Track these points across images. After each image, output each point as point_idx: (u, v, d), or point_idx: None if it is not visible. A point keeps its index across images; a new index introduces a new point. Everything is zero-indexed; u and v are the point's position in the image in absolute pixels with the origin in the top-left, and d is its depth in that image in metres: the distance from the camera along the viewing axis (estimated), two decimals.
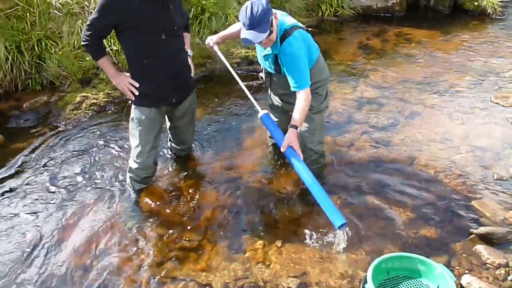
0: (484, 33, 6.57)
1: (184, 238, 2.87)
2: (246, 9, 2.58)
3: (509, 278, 2.48)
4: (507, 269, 2.53)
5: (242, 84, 3.12)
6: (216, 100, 4.64)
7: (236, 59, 5.43)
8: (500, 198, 3.11)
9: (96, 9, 2.66)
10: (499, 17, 7.18)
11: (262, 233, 2.90)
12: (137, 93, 2.86)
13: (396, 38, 6.46)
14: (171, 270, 2.64)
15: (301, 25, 2.84)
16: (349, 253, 2.69)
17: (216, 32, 5.66)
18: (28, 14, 4.79)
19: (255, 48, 3.06)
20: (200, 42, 5.35)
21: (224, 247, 2.80)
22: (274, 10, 2.66)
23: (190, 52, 3.11)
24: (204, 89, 4.88)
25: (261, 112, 2.95)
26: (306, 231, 2.89)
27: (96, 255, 2.76)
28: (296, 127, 2.77)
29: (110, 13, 2.64)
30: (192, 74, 3.14)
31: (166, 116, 3.19)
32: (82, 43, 2.80)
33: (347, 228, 2.68)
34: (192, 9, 5.49)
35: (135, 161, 3.07)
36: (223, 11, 5.70)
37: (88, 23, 2.73)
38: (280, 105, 3.21)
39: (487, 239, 2.73)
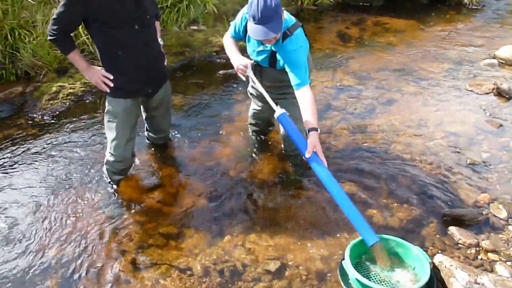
0: (460, 23, 6.69)
1: (164, 225, 2.88)
2: (259, 2, 2.44)
3: (479, 257, 2.56)
4: (477, 249, 2.61)
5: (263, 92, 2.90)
6: (195, 88, 4.62)
7: (215, 47, 5.42)
8: (472, 182, 3.19)
9: (62, 2, 2.53)
10: (475, 7, 7.31)
11: (241, 219, 2.92)
12: (111, 85, 2.78)
13: (375, 27, 6.53)
14: (152, 255, 2.65)
15: (296, 21, 2.77)
16: (328, 236, 2.74)
17: (195, 21, 5.70)
18: (0, 2, 4.69)
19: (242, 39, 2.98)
20: (178, 30, 5.32)
21: (204, 232, 2.81)
22: None
23: (161, 41, 3.04)
24: (183, 77, 4.87)
25: (279, 111, 2.73)
26: (285, 216, 2.92)
27: (76, 244, 2.74)
28: (316, 129, 2.58)
29: (77, 6, 2.52)
30: (165, 63, 3.09)
31: (141, 106, 3.16)
32: (49, 38, 2.67)
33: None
34: None
35: (112, 154, 3.00)
36: None
37: (54, 16, 2.58)
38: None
39: (460, 221, 2.80)
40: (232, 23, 2.95)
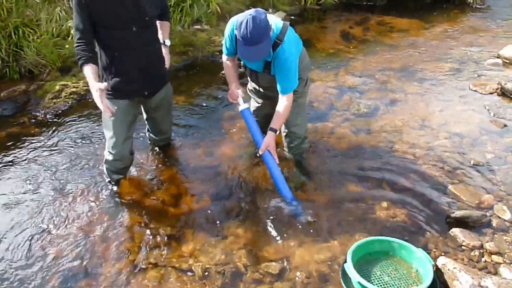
0: (464, 22, 6.66)
1: (165, 226, 2.86)
2: (248, 23, 2.45)
3: (483, 259, 2.54)
4: (481, 251, 2.59)
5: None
6: (198, 88, 4.62)
7: (218, 47, 5.41)
8: (476, 183, 3.16)
9: (74, 11, 2.57)
10: (479, 6, 7.27)
11: (243, 219, 2.91)
12: (114, 110, 2.63)
13: (378, 27, 6.51)
14: (153, 256, 2.64)
15: (283, 22, 2.77)
16: (330, 238, 2.72)
17: (198, 20, 5.69)
18: (4, 0, 4.69)
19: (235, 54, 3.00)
20: (181, 29, 5.31)
21: (205, 233, 2.80)
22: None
23: (167, 42, 3.00)
24: (186, 77, 4.86)
25: (242, 106, 2.93)
26: (287, 217, 2.90)
27: (76, 244, 2.74)
28: (275, 131, 2.81)
29: (84, 9, 2.53)
30: (166, 65, 3.03)
31: (142, 107, 3.14)
32: (75, 50, 2.62)
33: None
34: None
35: (110, 153, 2.99)
36: None
37: (73, 29, 2.64)
38: (262, 91, 3.21)
39: (463, 222, 2.78)
40: (223, 41, 2.97)
